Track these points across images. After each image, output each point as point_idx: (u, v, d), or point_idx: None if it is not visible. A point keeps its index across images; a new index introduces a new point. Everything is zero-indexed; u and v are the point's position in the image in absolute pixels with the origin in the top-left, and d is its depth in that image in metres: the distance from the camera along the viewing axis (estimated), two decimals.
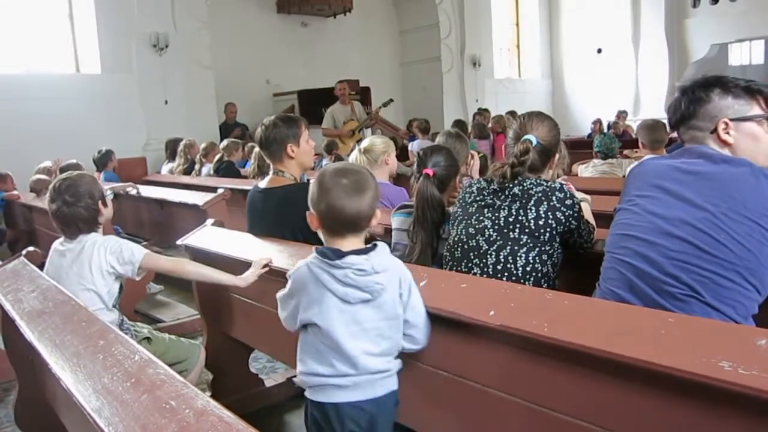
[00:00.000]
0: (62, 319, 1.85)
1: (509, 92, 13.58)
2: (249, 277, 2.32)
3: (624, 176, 4.61)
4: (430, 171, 2.39)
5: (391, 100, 8.51)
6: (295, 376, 3.05)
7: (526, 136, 2.09)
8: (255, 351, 3.10)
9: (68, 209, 2.42)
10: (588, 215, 2.18)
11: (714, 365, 1.11)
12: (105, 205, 2.53)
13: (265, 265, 2.30)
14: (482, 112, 9.75)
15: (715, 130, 1.74)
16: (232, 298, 2.73)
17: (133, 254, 2.46)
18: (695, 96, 1.78)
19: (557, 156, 2.20)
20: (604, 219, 2.29)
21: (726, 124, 1.73)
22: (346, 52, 11.38)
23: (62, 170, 4.88)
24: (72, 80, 8.07)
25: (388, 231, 2.81)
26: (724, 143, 1.74)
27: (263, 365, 3.40)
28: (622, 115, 11.59)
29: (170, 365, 2.44)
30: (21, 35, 7.96)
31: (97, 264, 2.41)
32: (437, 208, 2.32)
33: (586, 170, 4.94)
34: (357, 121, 7.99)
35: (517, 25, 14.65)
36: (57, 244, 2.54)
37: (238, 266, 2.53)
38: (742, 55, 15.70)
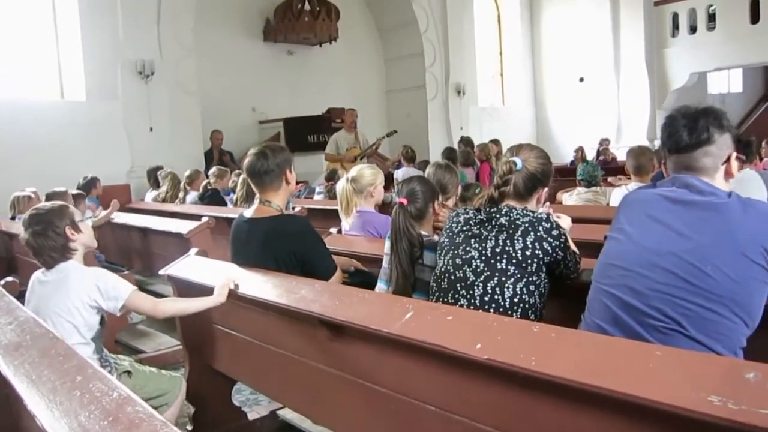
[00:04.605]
0: (39, 353, 1.80)
1: (493, 120, 13.67)
2: (222, 290, 2.40)
3: (608, 204, 4.64)
4: (403, 200, 2.40)
5: (395, 131, 8.53)
6: (278, 409, 3.00)
7: (511, 158, 2.10)
8: (238, 383, 3.04)
9: (36, 240, 2.39)
10: (570, 245, 2.19)
11: (703, 399, 1.11)
12: (77, 230, 2.46)
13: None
14: (464, 139, 9.64)
15: (727, 161, 1.73)
16: (214, 329, 2.68)
17: (118, 290, 2.40)
18: (718, 123, 1.73)
19: (545, 190, 2.17)
20: (589, 247, 2.29)
21: (737, 157, 1.74)
22: (331, 80, 11.42)
23: (48, 197, 4.82)
24: (57, 107, 8.02)
25: (367, 259, 2.81)
26: (729, 175, 1.74)
27: (246, 397, 3.33)
28: (605, 142, 11.68)
29: (151, 398, 2.40)
30: (5, 62, 7.93)
31: (78, 296, 2.35)
32: (410, 237, 2.33)
33: (570, 198, 4.97)
34: (360, 148, 7.96)
35: (501, 53, 14.85)
36: (39, 274, 2.48)
37: None
38: (721, 84, 16.07)
